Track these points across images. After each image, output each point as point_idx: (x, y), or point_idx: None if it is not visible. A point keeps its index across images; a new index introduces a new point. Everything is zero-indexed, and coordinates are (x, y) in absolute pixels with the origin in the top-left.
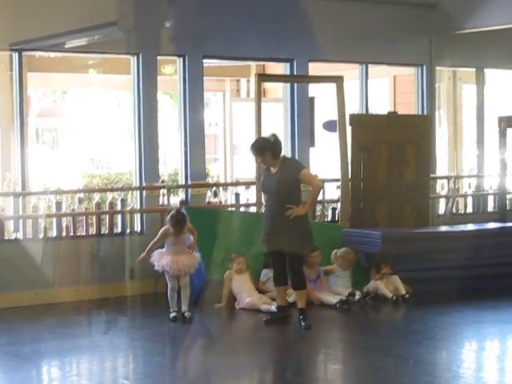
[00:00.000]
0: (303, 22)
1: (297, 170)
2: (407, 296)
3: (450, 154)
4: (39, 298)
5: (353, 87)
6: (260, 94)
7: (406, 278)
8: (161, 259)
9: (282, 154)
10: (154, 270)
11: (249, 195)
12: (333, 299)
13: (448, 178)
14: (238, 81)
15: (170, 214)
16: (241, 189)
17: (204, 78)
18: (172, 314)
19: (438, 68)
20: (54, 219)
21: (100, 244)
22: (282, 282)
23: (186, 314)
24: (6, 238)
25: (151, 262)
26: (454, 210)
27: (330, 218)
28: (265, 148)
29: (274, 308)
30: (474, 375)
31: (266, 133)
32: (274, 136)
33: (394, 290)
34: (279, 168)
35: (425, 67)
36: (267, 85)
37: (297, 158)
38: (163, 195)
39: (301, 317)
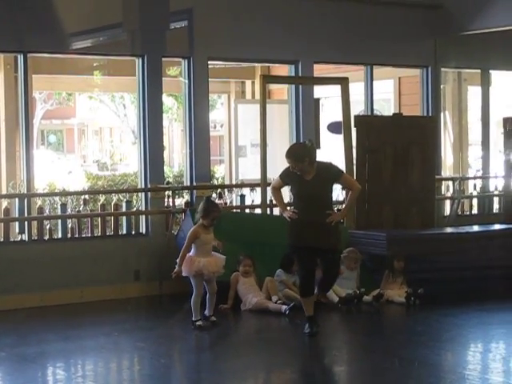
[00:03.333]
0: (308, 23)
1: (337, 175)
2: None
3: (455, 155)
4: (44, 300)
5: (358, 89)
6: (265, 96)
7: (410, 280)
8: (192, 263)
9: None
10: (159, 272)
11: (254, 197)
12: (335, 297)
13: (453, 179)
14: (242, 82)
15: (201, 205)
16: (246, 190)
17: (209, 79)
18: (199, 323)
19: (442, 69)
20: (59, 221)
21: (105, 246)
22: (311, 292)
23: (213, 319)
24: (11, 239)
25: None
26: (460, 212)
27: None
28: (303, 155)
29: (283, 309)
30: (480, 377)
31: (271, 134)
32: (311, 141)
33: (400, 293)
34: (317, 173)
35: (430, 68)
36: (272, 86)
37: None
38: (168, 197)
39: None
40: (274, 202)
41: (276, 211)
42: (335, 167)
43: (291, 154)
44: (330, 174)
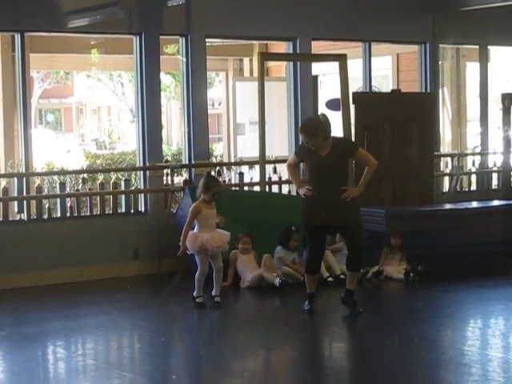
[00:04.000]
0: (306, 0)
1: (352, 149)
2: (342, 276)
3: (454, 131)
4: (44, 279)
5: (356, 65)
6: (263, 73)
7: (409, 256)
8: (196, 239)
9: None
10: (159, 250)
11: (252, 174)
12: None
13: (452, 155)
14: (240, 60)
15: (202, 181)
16: (245, 168)
17: (207, 57)
18: (199, 300)
19: (441, 45)
20: (58, 200)
21: (104, 224)
22: (317, 270)
23: (217, 299)
24: (11, 219)
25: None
26: (458, 188)
27: (302, 195)
28: (317, 130)
29: (277, 281)
30: (479, 352)
31: (269, 112)
32: (324, 116)
33: (400, 269)
34: (332, 148)
35: (428, 45)
36: (270, 64)
37: (300, 137)
38: (167, 175)
39: (352, 301)
40: (290, 179)
41: (275, 188)
42: (350, 142)
43: (305, 128)
44: (345, 148)
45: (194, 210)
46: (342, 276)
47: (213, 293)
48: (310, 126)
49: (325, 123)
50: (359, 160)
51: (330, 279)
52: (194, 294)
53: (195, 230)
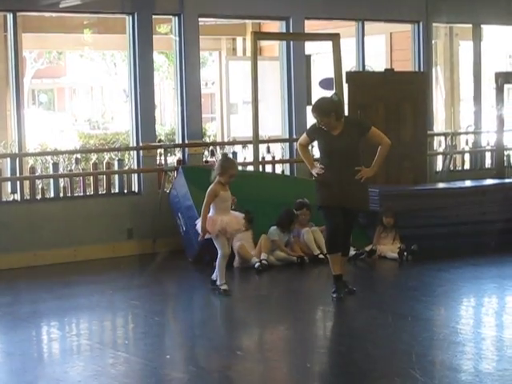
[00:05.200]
0: None
1: (365, 129)
2: (321, 256)
3: (447, 110)
4: (38, 259)
5: (349, 45)
6: (256, 53)
7: (403, 235)
8: (215, 223)
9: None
10: (152, 230)
11: (246, 154)
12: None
13: (445, 134)
14: (234, 39)
15: (218, 163)
16: (238, 148)
17: (200, 36)
18: (224, 287)
19: (434, 24)
20: (52, 180)
21: (97, 204)
22: (339, 248)
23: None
24: (4, 199)
25: (197, 229)
26: (452, 167)
27: (315, 175)
28: (330, 109)
29: (256, 265)
30: (473, 331)
31: (262, 91)
32: (337, 95)
33: (393, 248)
34: (344, 128)
35: (421, 24)
36: (263, 43)
37: (294, 116)
38: (160, 155)
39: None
40: (302, 158)
41: (268, 168)
42: (363, 121)
43: (317, 108)
44: (357, 127)
45: (211, 193)
46: (320, 256)
47: (214, 277)
48: (322, 106)
49: (337, 103)
50: (372, 139)
51: (321, 256)
52: (218, 281)
53: (210, 213)
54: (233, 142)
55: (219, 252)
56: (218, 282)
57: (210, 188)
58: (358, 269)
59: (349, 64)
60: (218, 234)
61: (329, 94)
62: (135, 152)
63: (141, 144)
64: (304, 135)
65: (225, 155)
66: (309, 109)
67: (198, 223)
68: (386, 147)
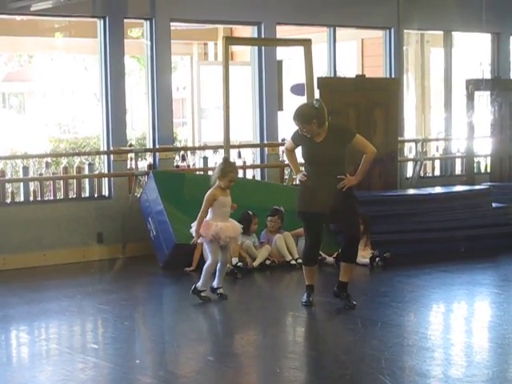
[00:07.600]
0: None
1: (350, 136)
2: (293, 262)
3: (418, 117)
4: (7, 264)
5: (321, 50)
6: (228, 58)
7: (374, 241)
8: (209, 227)
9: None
10: (123, 235)
11: (217, 159)
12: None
13: (416, 141)
14: (205, 44)
15: (219, 166)
16: (209, 152)
17: (171, 41)
18: (205, 294)
19: (405, 31)
20: (22, 184)
21: (68, 208)
22: (315, 261)
23: (220, 291)
24: None
25: (191, 232)
26: (422, 173)
27: (298, 182)
28: (311, 116)
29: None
30: (442, 337)
31: (234, 97)
32: (319, 101)
33: (365, 254)
34: (328, 135)
35: (393, 30)
36: (235, 48)
37: (265, 121)
38: (131, 159)
39: (346, 294)
40: (288, 163)
41: (239, 173)
42: (348, 128)
43: (298, 115)
44: (342, 135)
45: (209, 197)
46: (292, 262)
47: (215, 285)
48: (303, 113)
49: (319, 109)
50: (356, 147)
51: (293, 262)
52: (199, 286)
53: (208, 217)
54: (204, 147)
55: (209, 258)
56: (199, 286)
57: (209, 192)
58: (327, 274)
59: (320, 70)
60: (211, 239)
61: (301, 99)
62: (106, 156)
63: (111, 148)
64: (289, 140)
65: (225, 158)
66: (280, 114)
67: (193, 226)
68: (370, 155)
